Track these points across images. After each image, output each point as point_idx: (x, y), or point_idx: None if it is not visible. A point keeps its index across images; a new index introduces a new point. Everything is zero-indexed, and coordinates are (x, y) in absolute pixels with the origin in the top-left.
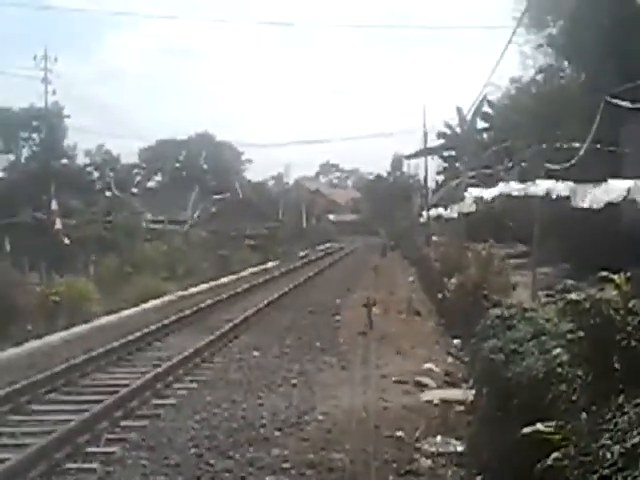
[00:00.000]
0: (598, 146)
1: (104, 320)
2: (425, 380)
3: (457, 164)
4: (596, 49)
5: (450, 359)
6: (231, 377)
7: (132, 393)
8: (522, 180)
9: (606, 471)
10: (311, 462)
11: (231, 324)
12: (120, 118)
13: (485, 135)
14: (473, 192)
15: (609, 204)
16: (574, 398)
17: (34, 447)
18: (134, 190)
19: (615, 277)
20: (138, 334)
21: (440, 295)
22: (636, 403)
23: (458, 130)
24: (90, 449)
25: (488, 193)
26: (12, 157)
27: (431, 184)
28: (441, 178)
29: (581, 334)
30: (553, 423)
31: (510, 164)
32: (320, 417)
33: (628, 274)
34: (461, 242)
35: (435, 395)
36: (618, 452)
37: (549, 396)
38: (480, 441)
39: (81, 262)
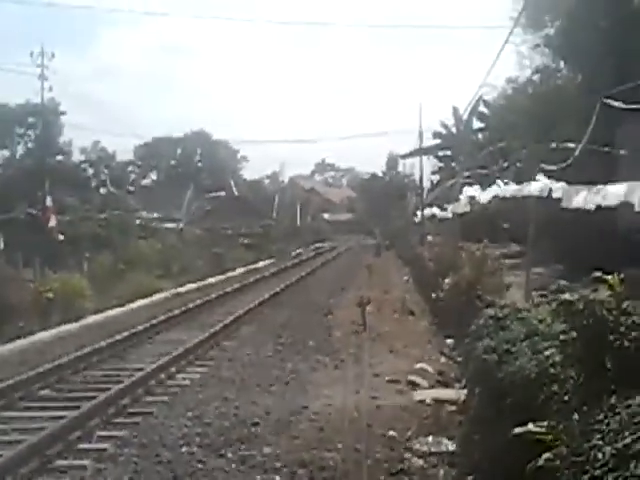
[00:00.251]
0: (594, 147)
1: (97, 317)
2: (418, 379)
3: (453, 164)
4: (593, 50)
5: (443, 359)
6: (224, 375)
7: (125, 390)
8: (518, 181)
9: (597, 471)
10: (303, 461)
11: (224, 322)
12: (116, 115)
13: (481, 135)
14: (468, 192)
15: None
16: (566, 398)
17: (25, 444)
18: (129, 187)
19: (608, 278)
20: (131, 331)
21: (434, 295)
22: (628, 404)
23: (454, 130)
24: (82, 446)
25: (484, 196)
26: (7, 153)
27: (426, 184)
28: (436, 178)
29: (574, 335)
30: (545, 423)
31: (506, 164)
32: (312, 416)
33: (621, 275)
34: (455, 242)
35: (428, 395)
36: (610, 453)
37: (541, 396)
38: (472, 441)
39: (75, 259)
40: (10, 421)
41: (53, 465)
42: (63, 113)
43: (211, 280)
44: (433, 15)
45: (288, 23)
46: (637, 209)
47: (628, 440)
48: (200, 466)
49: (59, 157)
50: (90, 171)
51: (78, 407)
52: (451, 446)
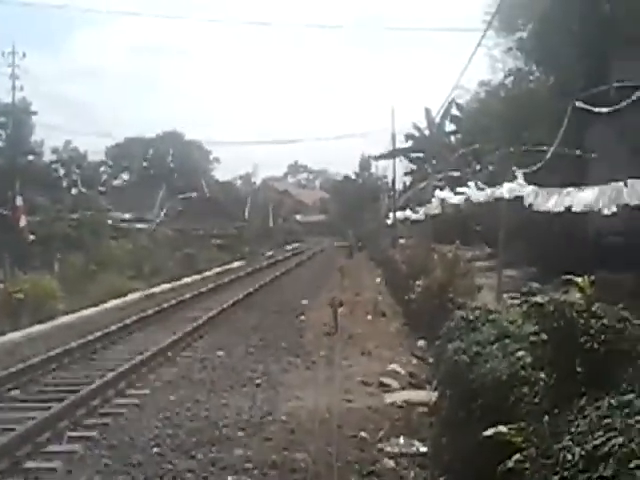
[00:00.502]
0: (566, 150)
1: (69, 318)
2: (389, 381)
3: (425, 166)
4: (565, 53)
5: (415, 360)
6: (195, 377)
7: (95, 391)
8: (490, 184)
9: (567, 473)
10: (274, 462)
11: (196, 323)
12: (88, 116)
13: (453, 138)
14: (440, 195)
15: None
16: (536, 400)
17: None
18: (101, 188)
19: (579, 280)
20: (102, 332)
21: (406, 297)
22: (597, 406)
23: (427, 132)
24: (51, 448)
25: (456, 198)
26: None
27: (399, 186)
28: (409, 180)
29: (544, 337)
30: (515, 425)
31: (478, 167)
32: (283, 417)
33: (592, 277)
34: (428, 244)
35: (399, 396)
36: (579, 454)
37: (512, 398)
38: (443, 443)
39: (46, 259)
40: None
41: (22, 467)
42: (34, 113)
43: (183, 281)
44: (407, 18)
45: (265, 24)
46: (606, 213)
47: (597, 442)
48: (170, 467)
49: (30, 157)
50: (61, 171)
51: (48, 408)
52: (422, 448)
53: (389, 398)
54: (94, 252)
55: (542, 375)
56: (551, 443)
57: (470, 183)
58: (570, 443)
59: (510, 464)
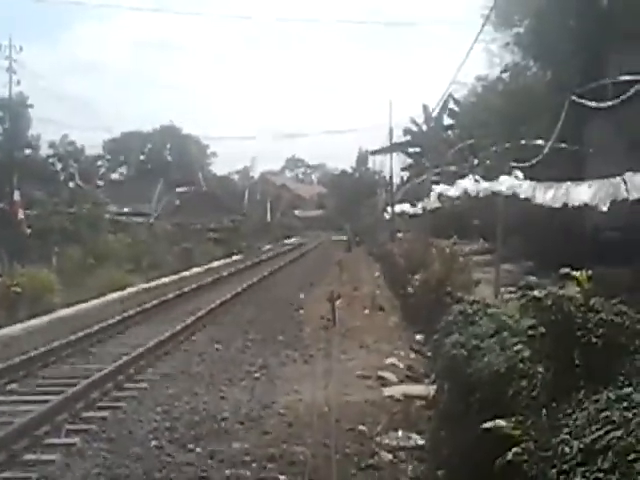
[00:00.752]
0: (563, 145)
1: (66, 311)
2: (387, 375)
3: (423, 160)
4: (562, 48)
5: (413, 354)
6: (193, 370)
7: (93, 384)
8: (487, 178)
9: (565, 466)
10: (272, 455)
11: (194, 317)
12: (86, 109)
13: (451, 132)
14: (438, 189)
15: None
16: (534, 394)
17: None
18: (98, 182)
19: (577, 275)
20: (100, 326)
21: (404, 291)
22: (595, 399)
23: (424, 127)
24: (50, 440)
25: (452, 192)
26: None
27: (396, 180)
28: (406, 174)
29: (542, 330)
30: (513, 419)
31: (475, 162)
32: (282, 411)
33: (589, 272)
34: (425, 238)
35: (397, 390)
36: (577, 447)
37: (510, 392)
38: (441, 436)
39: (43, 253)
40: None
41: (20, 459)
42: (31, 106)
43: (181, 275)
44: (404, 13)
45: (258, 18)
46: (603, 209)
47: (595, 435)
48: (169, 460)
49: (27, 151)
50: (59, 165)
51: (46, 401)
52: (420, 441)
53: (387, 391)
54: (92, 246)
55: (540, 369)
56: (549, 436)
57: (467, 178)
58: (568, 436)
59: (508, 457)
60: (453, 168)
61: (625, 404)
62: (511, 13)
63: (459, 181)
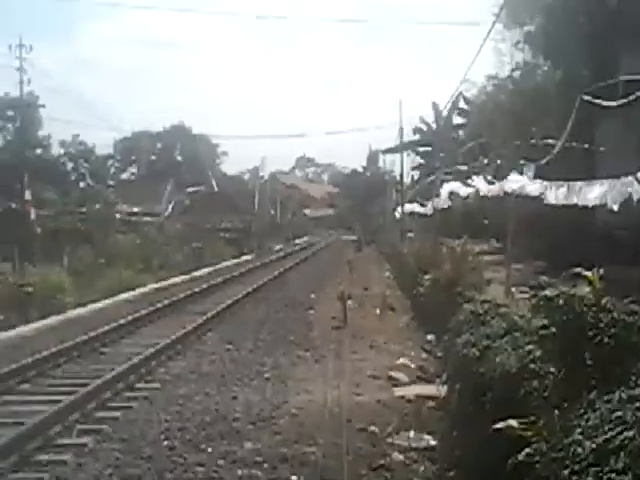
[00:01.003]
0: (573, 144)
1: (77, 312)
2: (398, 375)
3: (433, 160)
4: (573, 47)
5: (424, 354)
6: (204, 370)
7: (105, 385)
8: (498, 177)
9: (577, 467)
10: (284, 456)
11: (205, 317)
12: (96, 109)
13: (461, 131)
14: (448, 188)
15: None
16: (546, 394)
17: (4, 438)
18: (109, 181)
19: (588, 274)
20: (111, 326)
21: (414, 291)
22: (608, 399)
23: (434, 126)
24: (62, 441)
25: (463, 192)
26: None
27: (407, 180)
28: (417, 174)
29: (554, 330)
30: (525, 419)
31: (486, 161)
32: (293, 411)
33: (601, 271)
34: (436, 238)
35: (408, 390)
36: (589, 448)
37: (521, 392)
38: (452, 436)
39: (54, 253)
40: None
41: (33, 460)
42: (42, 106)
43: (191, 275)
44: (417, 11)
45: (269, 17)
46: (614, 209)
47: (608, 435)
48: (181, 461)
49: (38, 150)
50: (69, 165)
51: (58, 401)
52: (432, 441)
53: (398, 392)
54: (102, 246)
55: (552, 369)
56: (561, 437)
57: (477, 177)
58: (580, 437)
59: (520, 458)
60: (463, 167)
61: (638, 404)
62: (521, 12)
63: (469, 180)
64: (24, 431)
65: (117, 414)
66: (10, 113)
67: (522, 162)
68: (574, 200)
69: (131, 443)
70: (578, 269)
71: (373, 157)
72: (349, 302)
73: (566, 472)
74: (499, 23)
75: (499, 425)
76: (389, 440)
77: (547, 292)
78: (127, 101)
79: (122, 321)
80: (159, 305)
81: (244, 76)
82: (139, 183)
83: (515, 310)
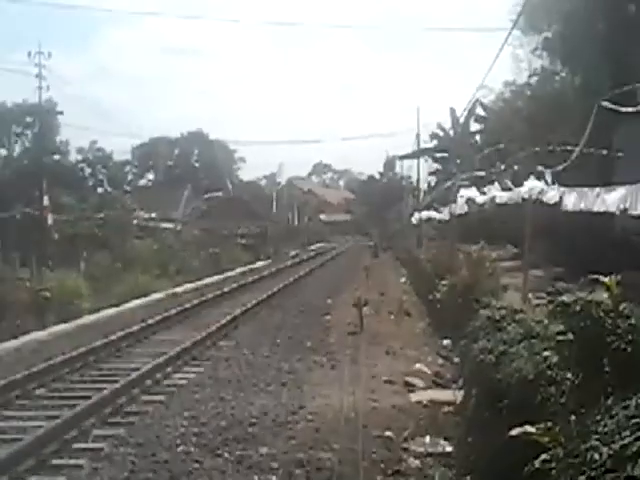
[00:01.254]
0: (591, 150)
1: (94, 317)
2: (414, 380)
3: (450, 166)
4: (591, 53)
5: (440, 360)
6: (220, 375)
7: (122, 389)
8: (515, 184)
9: (594, 473)
10: (299, 461)
11: (221, 322)
12: (114, 116)
13: (478, 137)
14: (465, 194)
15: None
16: (563, 400)
17: (21, 442)
18: (126, 187)
19: (606, 280)
20: (128, 331)
21: (431, 296)
22: (625, 405)
23: (451, 132)
24: (78, 445)
25: (480, 198)
26: (4, 152)
27: (424, 185)
28: (433, 179)
29: (571, 336)
30: (542, 425)
31: (503, 167)
32: (309, 416)
33: (619, 277)
34: (452, 244)
35: (424, 395)
36: (607, 454)
37: (538, 398)
38: (468, 442)
39: (72, 258)
40: (6, 420)
41: (49, 464)
42: (60, 112)
43: (208, 280)
44: (433, 17)
45: (285, 24)
46: (635, 213)
47: (625, 441)
48: (197, 466)
49: (56, 156)
50: (87, 171)
51: (74, 406)
52: (448, 447)
53: (414, 397)
54: (119, 251)
55: (569, 375)
56: (578, 443)
57: (493, 185)
58: (597, 443)
59: (537, 464)
60: (480, 173)
61: None
62: (539, 18)
63: (485, 188)
64: (41, 436)
65: (133, 419)
66: (29, 119)
67: (540, 168)
68: (592, 206)
69: (147, 448)
70: (596, 275)
71: (390, 163)
72: (365, 308)
73: (583, 478)
74: (517, 29)
75: (516, 431)
76: (405, 445)
77: (564, 298)
78: (145, 108)
79: (138, 326)
80: (175, 311)
81: (261, 82)
82: (156, 189)
83: (532, 316)
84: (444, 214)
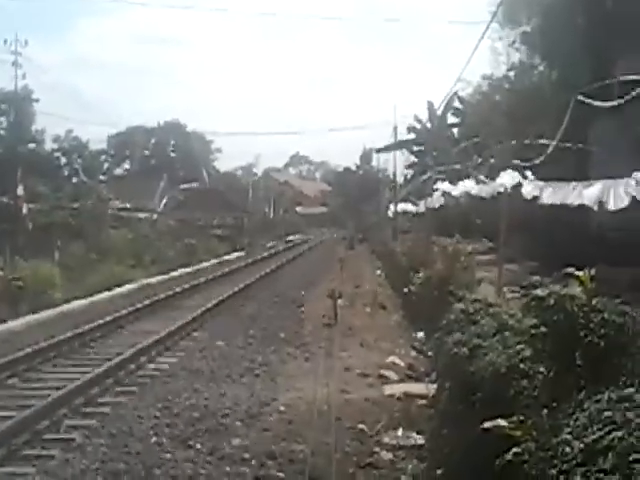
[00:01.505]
0: (567, 144)
1: (68, 307)
2: (388, 373)
3: (427, 159)
4: (569, 47)
5: (414, 353)
6: (194, 366)
7: (95, 379)
8: (491, 177)
9: (566, 466)
10: (272, 453)
11: (195, 313)
12: (91, 105)
13: (455, 130)
14: (441, 187)
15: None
16: (536, 394)
17: None
18: (102, 177)
19: (580, 274)
20: (102, 321)
21: (406, 289)
22: (597, 399)
23: (428, 125)
24: (49, 436)
25: (455, 191)
26: None
27: (400, 178)
28: (410, 172)
29: (544, 330)
30: (514, 418)
31: (479, 160)
32: (282, 408)
33: (592, 271)
34: (428, 237)
35: (398, 388)
36: (578, 448)
37: (511, 391)
38: (441, 435)
39: (46, 248)
40: None
41: (20, 454)
42: (36, 100)
43: (183, 271)
44: (411, 9)
45: (266, 14)
46: (611, 208)
47: (596, 435)
48: (169, 457)
49: (31, 145)
50: (63, 160)
51: (47, 396)
52: (420, 440)
53: (388, 390)
54: (94, 241)
55: (542, 368)
56: (550, 436)
57: (469, 179)
58: (569, 437)
59: (509, 457)
60: (457, 166)
61: (627, 404)
62: (518, 12)
63: (461, 182)
64: (12, 425)
65: (106, 409)
66: (4, 107)
67: (516, 162)
68: (568, 200)
69: (119, 439)
70: (570, 269)
71: (367, 155)
72: (340, 300)
73: (554, 471)
74: (496, 22)
75: (488, 424)
76: (378, 438)
77: (538, 292)
78: (122, 97)
79: (112, 316)
80: (150, 301)
81: (239, 73)
82: (132, 179)
83: (506, 309)
84: (420, 207)
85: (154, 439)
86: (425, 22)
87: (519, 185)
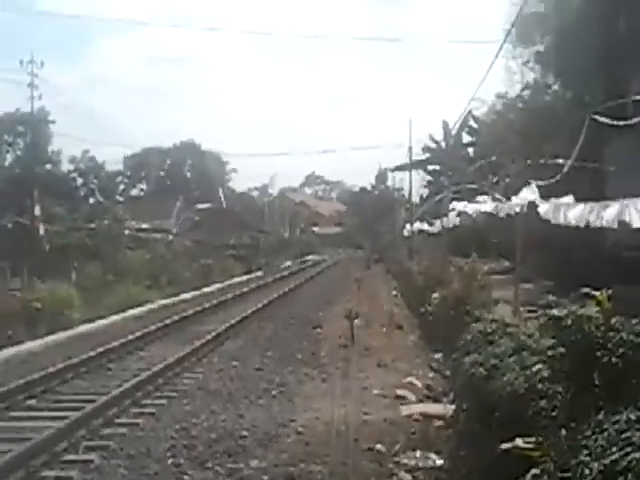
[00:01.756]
0: (583, 163)
1: (85, 327)
2: (406, 394)
3: (442, 178)
4: (583, 66)
5: (431, 373)
6: (211, 387)
7: (112, 401)
8: (507, 196)
9: None
10: (290, 474)
11: (212, 334)
12: (106, 125)
13: (470, 150)
14: (457, 206)
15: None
16: (554, 414)
17: (11, 454)
18: (118, 198)
19: (597, 294)
20: (119, 342)
21: (422, 309)
22: (615, 420)
23: (443, 144)
24: (68, 457)
25: (471, 210)
26: None
27: (416, 198)
28: (425, 192)
29: (562, 350)
30: (533, 439)
31: (495, 179)
32: (300, 429)
33: (610, 291)
34: (444, 257)
35: (415, 409)
36: (597, 469)
37: (529, 412)
38: (460, 456)
39: (63, 269)
40: None
41: (39, 476)
42: (52, 122)
43: (200, 292)
44: (426, 30)
45: (277, 34)
46: (634, 226)
47: (615, 456)
48: (187, 478)
49: (48, 166)
50: (79, 181)
51: (65, 417)
52: (439, 461)
53: (405, 411)
54: (111, 262)
55: (559, 389)
56: (569, 457)
57: (486, 196)
58: (588, 458)
59: (527, 478)
60: (472, 186)
61: None
62: (532, 31)
63: (478, 199)
64: (31, 446)
65: (124, 430)
66: (21, 129)
67: (531, 181)
68: (587, 220)
69: (137, 460)
70: (587, 289)
71: (382, 175)
72: (356, 320)
73: None
74: (509, 42)
75: (506, 445)
76: (396, 459)
77: (555, 311)
78: (137, 118)
79: (129, 338)
80: (166, 322)
81: (254, 93)
82: (148, 199)
83: (523, 329)
84: (436, 226)
85: (171, 460)
86: (437, 41)
87: (535, 205)
